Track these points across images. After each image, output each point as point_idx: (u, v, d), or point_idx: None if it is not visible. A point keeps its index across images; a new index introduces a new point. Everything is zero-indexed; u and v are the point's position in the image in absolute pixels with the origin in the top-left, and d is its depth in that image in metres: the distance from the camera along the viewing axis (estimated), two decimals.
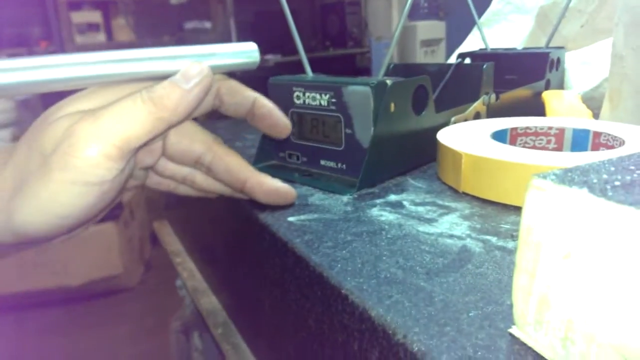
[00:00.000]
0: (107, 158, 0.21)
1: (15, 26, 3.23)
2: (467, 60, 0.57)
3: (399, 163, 0.33)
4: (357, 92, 0.30)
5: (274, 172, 0.35)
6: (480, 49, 0.59)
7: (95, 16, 3.30)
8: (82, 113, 0.22)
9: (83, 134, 0.21)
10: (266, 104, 0.28)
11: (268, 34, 3.63)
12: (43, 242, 0.24)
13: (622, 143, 0.29)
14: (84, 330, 1.58)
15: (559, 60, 0.53)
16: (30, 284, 1.69)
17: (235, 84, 0.28)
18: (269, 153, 0.37)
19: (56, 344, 1.53)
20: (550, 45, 0.56)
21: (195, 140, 0.26)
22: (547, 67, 0.50)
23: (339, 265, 0.21)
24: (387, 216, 0.26)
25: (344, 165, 0.33)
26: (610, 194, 0.13)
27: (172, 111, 0.23)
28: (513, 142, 0.34)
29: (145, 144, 0.23)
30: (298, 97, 0.34)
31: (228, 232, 0.35)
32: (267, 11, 3.61)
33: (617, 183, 0.13)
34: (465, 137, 0.32)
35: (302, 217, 0.27)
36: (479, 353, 0.15)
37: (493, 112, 0.42)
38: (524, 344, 0.15)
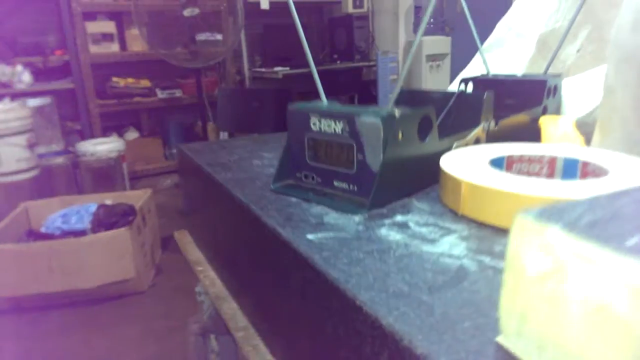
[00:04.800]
0: None
1: (31, 35, 3.31)
2: (470, 85, 0.60)
3: (405, 186, 0.37)
4: (369, 122, 0.34)
5: (291, 190, 0.39)
6: (482, 75, 0.62)
7: (110, 26, 3.38)
8: None
9: None
10: None
11: (277, 46, 3.69)
12: None
13: (606, 173, 0.32)
14: (96, 332, 1.62)
15: (556, 87, 0.56)
16: (46, 287, 1.73)
17: None
18: (287, 173, 0.41)
19: (69, 345, 1.56)
20: (550, 69, 0.59)
21: None
22: (544, 94, 0.54)
23: (354, 280, 0.24)
24: (395, 236, 0.29)
25: (356, 187, 0.36)
26: (577, 230, 0.16)
27: None
28: (509, 168, 0.38)
29: None
30: (314, 124, 0.38)
31: (249, 245, 0.39)
32: (276, 24, 3.68)
33: (584, 221, 0.17)
34: (465, 163, 0.35)
35: (320, 235, 0.30)
36: (471, 357, 0.18)
37: (493, 136, 0.46)
38: (508, 351, 0.18)
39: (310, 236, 0.30)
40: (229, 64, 3.76)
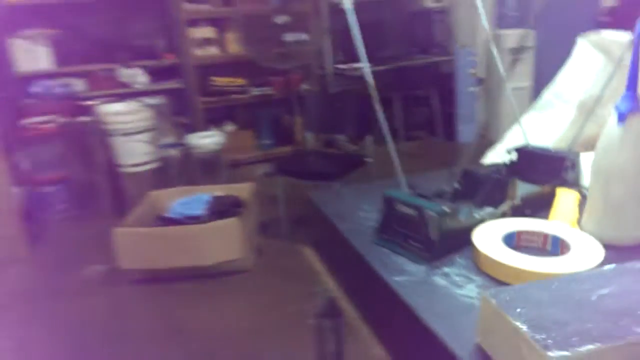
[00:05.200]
0: None
1: (145, 39, 3.79)
2: (514, 155, 0.83)
3: (452, 247, 0.63)
4: (431, 214, 0.61)
5: (385, 243, 0.67)
6: (523, 145, 0.84)
7: (210, 32, 3.78)
8: None
9: None
10: None
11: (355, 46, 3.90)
12: None
13: (569, 250, 0.57)
14: (212, 301, 2.04)
15: (574, 163, 0.78)
16: (173, 262, 2.18)
17: None
18: (382, 231, 0.69)
19: (190, 311, 1.99)
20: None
21: None
22: (562, 170, 0.76)
23: (419, 307, 0.52)
24: (441, 282, 0.56)
25: (422, 246, 0.63)
26: (502, 304, 0.42)
27: None
28: (519, 239, 0.62)
29: None
30: (399, 207, 0.65)
31: (359, 273, 0.67)
32: (359, 21, 3.88)
33: (508, 299, 0.43)
34: (488, 236, 0.60)
35: (402, 277, 0.58)
36: (465, 346, 0.45)
37: (517, 208, 0.70)
38: (480, 347, 0.45)
39: (397, 278, 0.58)
40: (313, 61, 4.03)
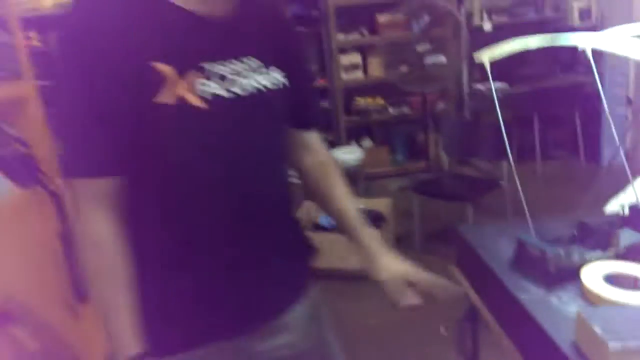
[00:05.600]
0: None
1: None
2: (627, 209, 1.08)
3: (565, 279, 0.92)
4: (550, 256, 0.91)
5: (517, 271, 0.98)
6: (634, 202, 1.08)
7: (357, 58, 4.24)
8: None
9: None
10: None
11: (497, 63, 4.03)
12: None
13: None
14: (354, 299, 2.45)
15: None
16: (326, 263, 2.64)
17: None
18: (517, 262, 1.00)
19: (338, 305, 2.42)
20: None
21: None
22: None
23: (538, 316, 0.83)
24: (555, 301, 0.87)
25: (543, 276, 0.94)
26: (589, 317, 0.73)
27: None
28: (615, 278, 0.89)
29: None
30: (528, 248, 0.96)
31: (496, 291, 1.00)
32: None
33: (592, 314, 0.73)
34: (593, 273, 0.89)
35: (527, 295, 0.90)
36: (565, 341, 0.77)
37: (620, 253, 0.96)
38: (576, 342, 0.76)
39: (523, 296, 0.90)
40: (450, 83, 4.25)
